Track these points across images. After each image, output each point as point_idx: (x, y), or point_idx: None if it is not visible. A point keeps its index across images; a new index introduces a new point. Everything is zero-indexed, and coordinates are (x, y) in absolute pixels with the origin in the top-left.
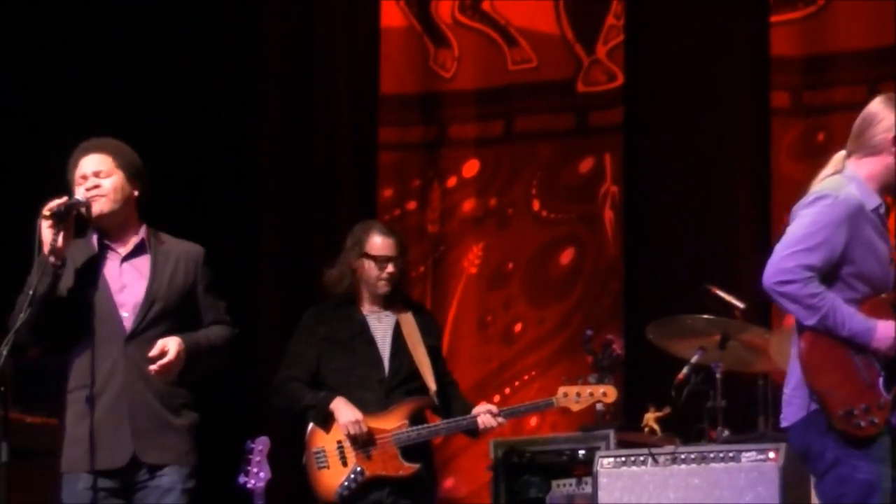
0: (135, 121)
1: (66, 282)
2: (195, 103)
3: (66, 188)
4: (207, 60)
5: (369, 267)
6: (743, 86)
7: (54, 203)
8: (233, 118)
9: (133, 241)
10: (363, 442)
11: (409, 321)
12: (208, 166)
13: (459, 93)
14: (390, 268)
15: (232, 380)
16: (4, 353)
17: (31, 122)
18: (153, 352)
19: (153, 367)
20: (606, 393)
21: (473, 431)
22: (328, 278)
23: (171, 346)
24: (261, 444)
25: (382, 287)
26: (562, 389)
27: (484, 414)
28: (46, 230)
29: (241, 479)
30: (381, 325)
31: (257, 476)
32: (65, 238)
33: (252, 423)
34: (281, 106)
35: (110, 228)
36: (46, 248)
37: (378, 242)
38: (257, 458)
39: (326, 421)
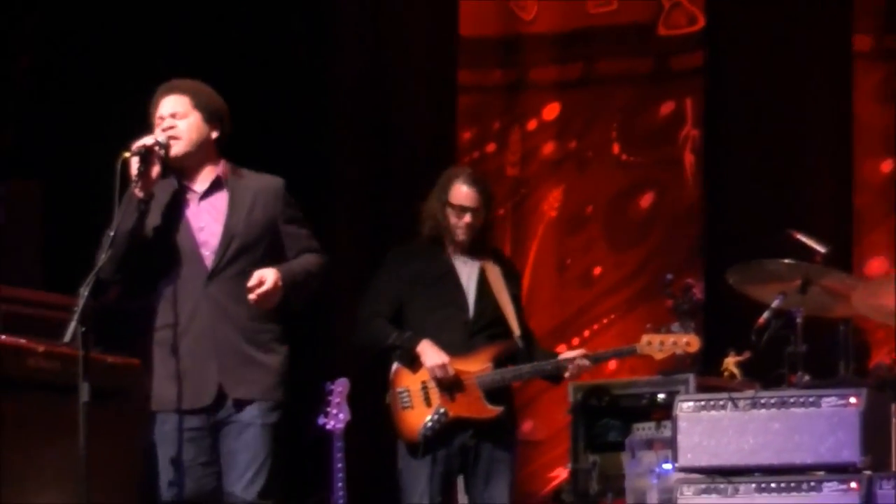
0: (219, 68)
1: (150, 222)
2: (270, 41)
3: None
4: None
5: (449, 214)
6: (824, 30)
7: (136, 144)
8: (310, 61)
9: (210, 179)
10: (448, 384)
11: (493, 268)
12: (285, 107)
13: (539, 36)
14: (467, 218)
15: (309, 320)
16: (86, 293)
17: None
18: (251, 282)
19: (251, 297)
20: (690, 342)
21: (556, 377)
22: (423, 213)
23: (268, 276)
24: (340, 386)
25: (459, 235)
26: (645, 337)
27: (568, 357)
28: (134, 166)
29: (321, 420)
30: (466, 269)
31: (337, 417)
32: (151, 173)
33: (331, 364)
34: (358, 48)
35: (187, 169)
36: (134, 183)
37: (460, 192)
38: (337, 400)
39: (412, 361)
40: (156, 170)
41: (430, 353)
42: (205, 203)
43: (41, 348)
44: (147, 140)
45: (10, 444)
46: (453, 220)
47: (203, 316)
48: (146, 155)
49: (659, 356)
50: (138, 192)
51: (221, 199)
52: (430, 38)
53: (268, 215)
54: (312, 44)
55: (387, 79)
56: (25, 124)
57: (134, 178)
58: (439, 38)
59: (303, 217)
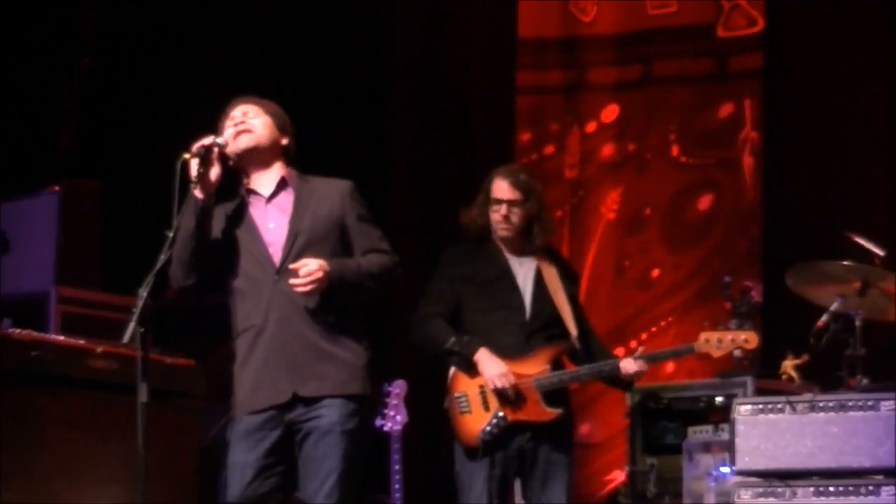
0: (277, 70)
1: (217, 226)
2: (328, 44)
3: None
4: (343, 2)
5: (491, 209)
6: (883, 32)
7: (196, 144)
8: (369, 64)
9: (275, 181)
10: (508, 391)
11: (549, 267)
12: (344, 110)
13: (598, 37)
14: (503, 209)
15: (368, 322)
16: (144, 294)
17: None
18: (294, 265)
19: (293, 281)
20: (748, 339)
21: (618, 380)
22: (464, 219)
23: (312, 262)
24: (398, 388)
25: (500, 230)
26: (703, 335)
27: (626, 359)
28: (193, 166)
29: (378, 422)
30: (521, 270)
31: (394, 419)
32: (210, 174)
33: (389, 365)
34: (416, 50)
35: (253, 169)
36: (193, 184)
37: (497, 186)
38: (394, 402)
39: (469, 366)
40: (215, 171)
41: (489, 363)
42: (271, 205)
43: (100, 349)
44: (207, 140)
45: (69, 443)
46: (493, 215)
47: (277, 312)
48: (206, 155)
49: (717, 354)
50: (198, 194)
51: (287, 198)
52: (489, 39)
53: (334, 212)
54: (371, 47)
55: (445, 80)
56: (85, 124)
57: (193, 179)
58: (498, 39)
59: (372, 218)
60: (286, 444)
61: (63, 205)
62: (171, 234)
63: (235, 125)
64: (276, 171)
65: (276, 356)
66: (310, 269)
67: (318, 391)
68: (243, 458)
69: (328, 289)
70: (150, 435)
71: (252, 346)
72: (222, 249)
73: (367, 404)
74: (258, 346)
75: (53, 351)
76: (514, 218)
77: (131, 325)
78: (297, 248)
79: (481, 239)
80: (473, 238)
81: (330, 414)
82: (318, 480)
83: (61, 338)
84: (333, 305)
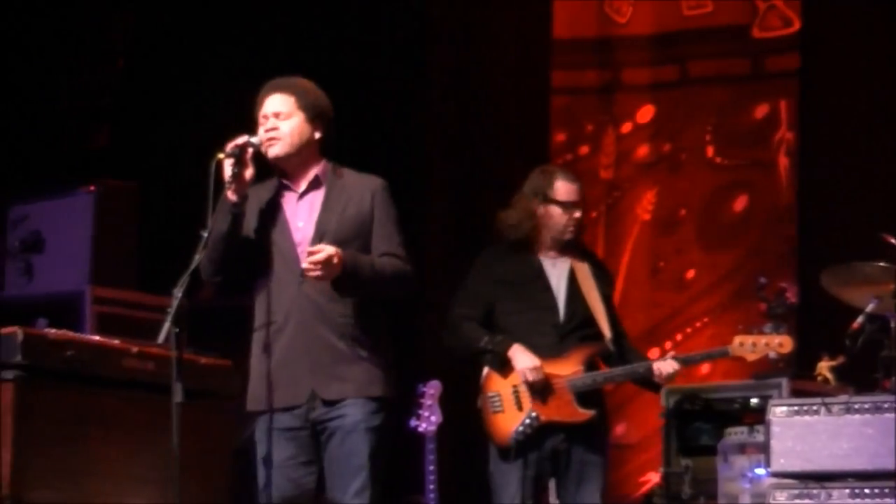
0: (315, 70)
1: (249, 221)
2: (364, 44)
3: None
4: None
5: (556, 213)
6: None
7: (230, 144)
8: (403, 63)
9: (310, 178)
10: (539, 387)
11: (583, 268)
12: (379, 108)
13: (634, 37)
14: (578, 213)
15: (401, 323)
16: (179, 294)
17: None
18: (310, 249)
19: (305, 265)
20: (782, 343)
21: (649, 381)
22: (505, 222)
23: (327, 248)
24: (432, 388)
25: (569, 233)
26: (737, 339)
27: (660, 361)
28: (227, 168)
29: (413, 422)
30: (555, 271)
31: (429, 420)
32: (244, 175)
33: (423, 365)
34: (451, 50)
35: (288, 169)
36: (227, 185)
37: (566, 188)
38: (429, 402)
39: (503, 365)
40: (249, 172)
41: (522, 357)
42: (302, 202)
43: (135, 349)
44: (240, 140)
45: (105, 443)
46: (563, 218)
47: (298, 314)
48: (240, 155)
49: (751, 357)
50: (231, 196)
51: (318, 197)
52: (524, 39)
53: (363, 213)
54: (406, 46)
55: (480, 80)
56: (121, 125)
57: (227, 180)
58: (532, 39)
59: (397, 222)
60: (314, 443)
61: (98, 205)
62: (205, 235)
63: (266, 130)
64: (311, 165)
65: (296, 357)
66: (328, 252)
67: (341, 394)
68: (276, 457)
69: (339, 279)
70: (185, 435)
71: (270, 343)
72: (253, 246)
73: (390, 406)
74: (277, 343)
75: (88, 351)
76: (581, 220)
77: (166, 326)
78: None
79: (520, 240)
80: (514, 239)
81: (353, 413)
82: (345, 479)
83: (96, 338)
84: (354, 308)
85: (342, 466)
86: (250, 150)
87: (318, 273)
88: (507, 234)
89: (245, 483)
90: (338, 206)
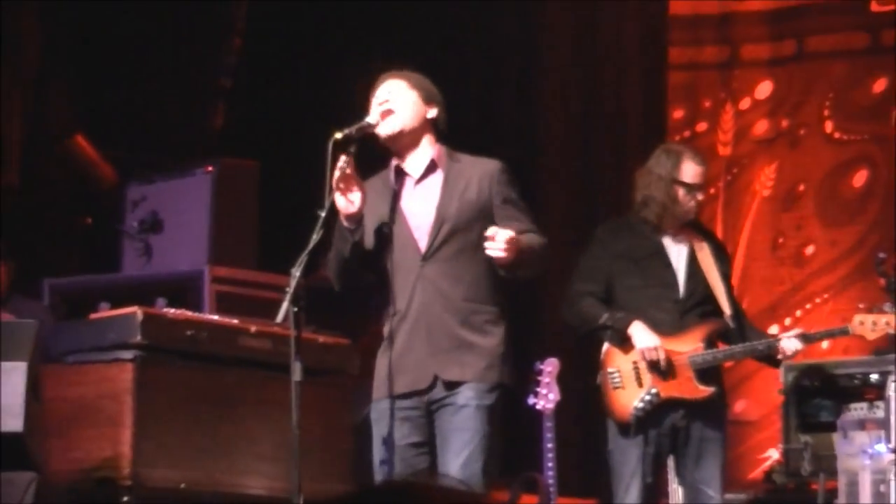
0: (432, 53)
1: (367, 218)
2: (479, 23)
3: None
4: None
5: (681, 194)
6: None
7: (348, 129)
8: (520, 42)
9: (425, 162)
10: (659, 364)
11: (702, 246)
12: (495, 88)
13: (752, 13)
14: (700, 195)
15: (520, 301)
16: (297, 274)
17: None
18: (488, 233)
19: (488, 245)
20: None
21: (770, 358)
22: (635, 186)
23: (506, 231)
24: (550, 366)
25: (691, 213)
26: (857, 317)
27: (785, 338)
28: (338, 197)
29: (531, 399)
30: (675, 248)
31: (546, 398)
32: (356, 200)
33: (541, 343)
34: (568, 27)
35: (403, 149)
36: (335, 186)
37: (693, 170)
38: (547, 380)
39: (623, 341)
40: (358, 197)
41: (642, 335)
42: (419, 187)
43: (253, 328)
44: (359, 124)
45: (224, 421)
46: (687, 199)
47: (419, 299)
48: (353, 138)
49: (871, 336)
50: (346, 223)
51: (435, 181)
52: (641, 15)
53: (482, 197)
54: (522, 24)
55: (597, 57)
56: (239, 105)
57: (340, 165)
58: (650, 15)
59: (522, 200)
60: (429, 423)
61: (217, 184)
62: (322, 214)
63: (380, 105)
64: (426, 149)
65: (419, 342)
66: (510, 235)
67: (461, 376)
68: (391, 438)
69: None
70: (305, 413)
71: (395, 332)
72: (372, 237)
73: (506, 392)
74: (400, 331)
75: (207, 330)
76: (702, 202)
77: (285, 305)
78: (442, 234)
79: (639, 216)
80: (632, 215)
81: (467, 392)
82: (453, 452)
83: (215, 317)
84: (475, 290)
85: (451, 439)
86: (364, 132)
87: (502, 254)
88: (637, 210)
89: (361, 460)
90: (457, 191)
